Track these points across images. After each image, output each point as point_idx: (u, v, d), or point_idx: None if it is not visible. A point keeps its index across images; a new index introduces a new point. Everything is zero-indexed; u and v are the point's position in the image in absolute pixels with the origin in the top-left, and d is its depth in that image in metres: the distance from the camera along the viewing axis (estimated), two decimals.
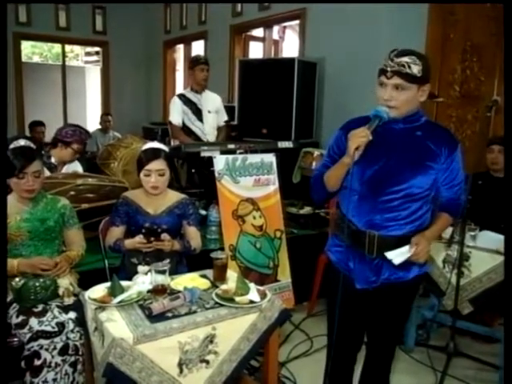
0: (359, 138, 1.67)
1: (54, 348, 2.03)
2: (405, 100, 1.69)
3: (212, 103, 4.35)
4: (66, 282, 2.20)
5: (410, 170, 1.76)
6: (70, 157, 3.28)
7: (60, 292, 2.19)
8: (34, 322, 2.06)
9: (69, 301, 2.18)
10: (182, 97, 4.31)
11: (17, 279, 2.16)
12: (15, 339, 2.09)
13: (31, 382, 2.01)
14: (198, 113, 4.27)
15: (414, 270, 1.85)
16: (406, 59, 1.65)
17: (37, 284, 2.16)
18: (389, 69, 1.67)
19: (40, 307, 2.14)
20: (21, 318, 2.10)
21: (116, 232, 2.44)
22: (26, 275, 2.18)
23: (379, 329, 1.98)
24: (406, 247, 1.75)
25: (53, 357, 2.02)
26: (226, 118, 4.52)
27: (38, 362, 2.00)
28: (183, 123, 4.25)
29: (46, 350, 2.02)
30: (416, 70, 1.65)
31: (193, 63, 4.32)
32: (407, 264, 1.81)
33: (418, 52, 1.70)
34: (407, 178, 1.76)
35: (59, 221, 2.38)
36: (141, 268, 2.19)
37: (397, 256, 1.76)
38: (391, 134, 1.78)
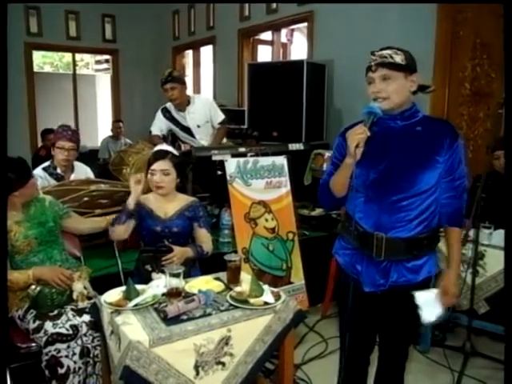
0: (357, 135, 1.67)
1: (74, 353, 2.06)
2: (394, 90, 1.71)
3: (199, 116, 4.05)
4: (79, 286, 2.22)
5: (418, 167, 1.74)
6: (61, 155, 3.11)
7: (74, 296, 2.21)
8: (48, 325, 2.09)
9: (83, 304, 2.20)
10: (166, 113, 4.11)
11: (33, 287, 2.19)
12: (33, 344, 2.12)
13: None
14: (186, 130, 4.09)
15: (423, 272, 1.82)
16: (387, 51, 1.74)
17: (53, 290, 2.20)
18: (373, 63, 1.74)
19: (55, 311, 2.17)
20: (37, 322, 2.13)
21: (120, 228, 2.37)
22: (41, 282, 2.21)
23: (390, 330, 1.95)
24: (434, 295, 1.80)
25: (75, 362, 2.06)
26: (220, 119, 4.12)
27: (62, 371, 2.03)
28: (177, 137, 4.16)
29: (67, 356, 2.04)
30: (399, 58, 1.72)
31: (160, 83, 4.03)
32: (417, 266, 1.81)
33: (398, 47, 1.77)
34: (416, 175, 1.73)
35: (56, 219, 2.42)
36: (155, 275, 2.21)
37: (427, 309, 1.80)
38: (391, 132, 1.77)
